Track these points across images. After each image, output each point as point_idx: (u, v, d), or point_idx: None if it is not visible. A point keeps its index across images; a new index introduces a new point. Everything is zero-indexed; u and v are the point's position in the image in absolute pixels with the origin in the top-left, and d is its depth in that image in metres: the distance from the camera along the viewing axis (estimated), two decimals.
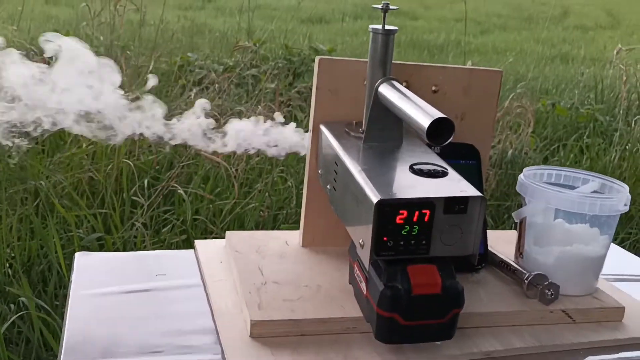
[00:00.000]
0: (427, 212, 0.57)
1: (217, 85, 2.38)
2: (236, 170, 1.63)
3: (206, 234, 1.55)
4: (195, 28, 5.08)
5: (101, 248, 1.45)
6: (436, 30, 6.77)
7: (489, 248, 0.79)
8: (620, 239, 1.95)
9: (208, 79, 2.78)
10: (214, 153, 1.57)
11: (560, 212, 0.73)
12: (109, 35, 2.73)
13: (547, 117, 2.87)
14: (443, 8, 8.34)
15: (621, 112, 2.82)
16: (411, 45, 5.86)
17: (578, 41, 6.49)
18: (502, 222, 1.94)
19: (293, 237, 0.82)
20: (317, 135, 0.76)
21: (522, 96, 2.48)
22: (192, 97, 2.25)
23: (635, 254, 1.07)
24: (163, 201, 1.63)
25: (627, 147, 2.46)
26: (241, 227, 1.56)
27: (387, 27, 0.68)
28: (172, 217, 1.60)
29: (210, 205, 1.60)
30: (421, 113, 0.58)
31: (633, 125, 2.68)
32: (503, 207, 1.99)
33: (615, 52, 3.12)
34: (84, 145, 1.84)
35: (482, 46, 6.06)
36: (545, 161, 2.40)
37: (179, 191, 1.55)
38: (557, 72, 4.59)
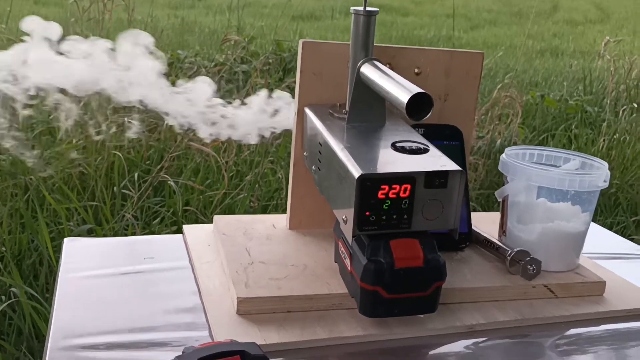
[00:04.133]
0: (408, 186, 0.58)
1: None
2: (226, 162, 1.64)
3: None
4: (185, 26, 5.08)
5: None
6: (427, 26, 6.80)
7: (473, 227, 0.81)
8: (609, 224, 1.97)
9: (198, 75, 2.78)
10: (204, 144, 1.58)
11: (542, 190, 0.74)
12: (99, 32, 2.72)
13: (536, 108, 2.89)
14: (434, 3, 8.37)
15: (609, 102, 2.85)
16: (402, 40, 5.88)
17: (568, 35, 6.53)
18: (492, 210, 1.95)
19: (280, 220, 0.83)
20: (301, 118, 0.77)
21: (510, 86, 2.50)
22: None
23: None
24: (153, 193, 1.63)
25: (614, 136, 2.48)
26: None
27: (368, 8, 0.69)
28: (162, 209, 1.60)
29: (201, 197, 1.61)
30: (400, 89, 0.59)
31: (620, 115, 2.71)
32: (493, 197, 2.00)
33: (603, 43, 3.14)
34: (74, 140, 1.85)
35: (473, 41, 6.09)
36: None
37: (169, 182, 1.56)
38: (547, 65, 4.62)
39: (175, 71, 2.96)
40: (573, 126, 2.72)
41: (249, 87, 2.70)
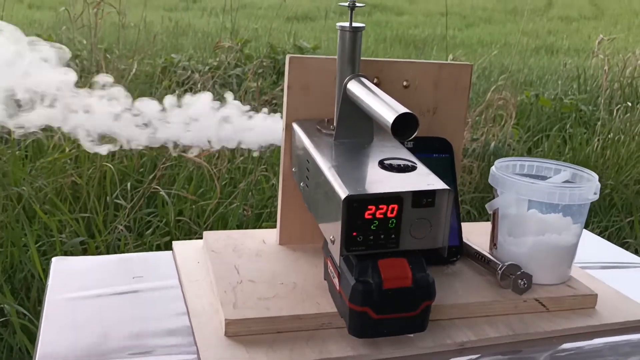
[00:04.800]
0: (396, 206, 0.58)
1: (200, 85, 2.37)
2: (219, 170, 1.63)
3: (190, 235, 1.55)
4: (179, 29, 5.07)
5: (84, 252, 1.44)
6: (421, 25, 6.80)
7: (465, 240, 0.80)
8: (604, 227, 1.96)
9: (192, 80, 2.78)
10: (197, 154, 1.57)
11: (533, 202, 0.73)
12: (92, 38, 2.71)
13: (531, 108, 2.88)
14: (428, 2, 8.37)
15: (603, 101, 2.84)
16: (397, 40, 5.88)
17: (562, 32, 6.54)
18: (487, 214, 1.95)
19: (270, 236, 0.82)
20: (290, 134, 0.76)
21: (504, 88, 2.50)
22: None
23: (617, 241, 1.08)
24: (147, 204, 1.63)
25: (609, 135, 2.48)
26: (225, 226, 1.56)
27: (354, 24, 0.68)
28: (155, 220, 1.59)
29: (193, 206, 1.60)
30: (386, 108, 0.59)
31: (615, 114, 2.70)
32: (487, 199, 2.00)
33: (597, 41, 3.14)
34: (67, 149, 1.84)
35: (468, 39, 6.09)
36: (529, 152, 2.41)
37: (160, 193, 1.55)
38: (542, 63, 4.62)
39: (169, 75, 2.96)
40: (568, 126, 2.71)
41: (245, 92, 2.69)
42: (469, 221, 1.58)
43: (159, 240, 1.50)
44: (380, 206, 0.57)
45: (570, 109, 2.89)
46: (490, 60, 4.16)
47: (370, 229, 0.58)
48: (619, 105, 2.78)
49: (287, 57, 0.75)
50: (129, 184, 1.64)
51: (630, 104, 2.79)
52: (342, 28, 0.68)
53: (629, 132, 2.49)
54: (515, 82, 3.22)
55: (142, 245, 1.49)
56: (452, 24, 6.85)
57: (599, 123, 2.60)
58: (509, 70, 3.49)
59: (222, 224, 1.59)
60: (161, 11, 6.00)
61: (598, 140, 2.44)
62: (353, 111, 0.68)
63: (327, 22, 6.23)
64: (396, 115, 0.56)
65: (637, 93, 3.14)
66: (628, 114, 2.68)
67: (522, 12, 7.43)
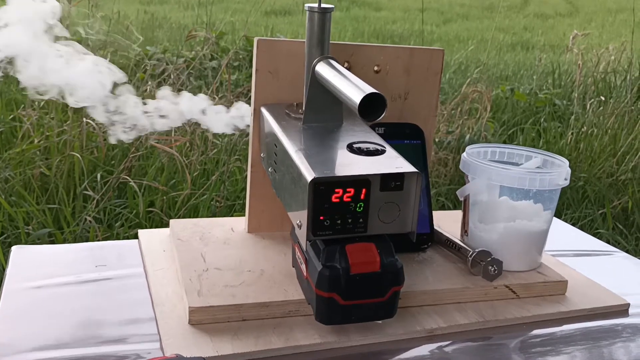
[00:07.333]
0: (364, 189, 0.57)
1: (173, 76, 2.33)
2: (190, 161, 1.60)
3: (162, 227, 1.53)
4: (155, 22, 5.00)
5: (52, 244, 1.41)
6: (400, 21, 6.81)
7: (436, 227, 0.79)
8: (577, 218, 1.98)
9: (167, 72, 2.74)
10: (167, 144, 1.54)
11: (505, 189, 0.73)
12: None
13: (506, 102, 2.90)
14: None
15: (577, 96, 2.87)
16: (374, 35, 5.88)
17: (538, 29, 6.60)
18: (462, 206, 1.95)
19: (239, 224, 0.81)
20: (258, 118, 0.75)
21: (478, 81, 2.50)
22: (149, 89, 2.22)
23: (589, 232, 1.08)
24: (117, 194, 1.59)
25: (582, 129, 2.50)
26: (196, 217, 1.54)
27: (323, 5, 0.67)
28: (125, 211, 1.56)
29: (165, 197, 1.57)
30: (354, 89, 0.57)
31: (588, 108, 2.73)
32: None
33: (571, 37, 3.17)
34: (36, 140, 1.79)
35: (445, 35, 6.12)
36: None
37: (130, 184, 1.52)
38: (517, 59, 4.66)
39: (144, 68, 2.91)
40: (542, 119, 2.74)
41: (219, 83, 2.66)
42: None
43: (129, 231, 1.47)
44: (348, 189, 0.56)
45: (544, 103, 2.92)
46: (467, 56, 4.18)
47: (337, 213, 0.56)
48: (592, 100, 2.81)
49: (255, 39, 0.73)
50: (98, 175, 1.60)
51: (603, 98, 2.83)
52: (311, 9, 0.67)
53: (602, 126, 2.52)
54: (491, 76, 3.24)
55: (112, 236, 1.45)
56: (430, 19, 6.88)
57: (573, 117, 2.62)
58: (486, 64, 3.51)
59: (194, 216, 1.57)
60: (137, 4, 5.92)
61: (572, 133, 2.46)
62: (322, 94, 0.67)
63: (305, 16, 6.21)
64: (363, 95, 0.55)
65: (610, 88, 3.18)
66: (601, 108, 2.71)
67: (499, 9, 7.49)
